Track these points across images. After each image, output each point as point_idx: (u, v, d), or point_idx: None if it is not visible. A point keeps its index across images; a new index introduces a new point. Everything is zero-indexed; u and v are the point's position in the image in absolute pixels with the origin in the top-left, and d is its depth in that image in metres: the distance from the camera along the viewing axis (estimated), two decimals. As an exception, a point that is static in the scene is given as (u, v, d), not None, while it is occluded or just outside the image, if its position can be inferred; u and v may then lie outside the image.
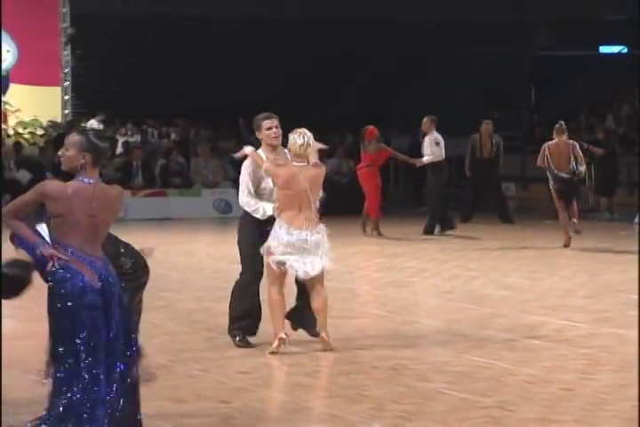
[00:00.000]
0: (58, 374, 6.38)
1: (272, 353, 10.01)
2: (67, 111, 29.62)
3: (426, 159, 20.92)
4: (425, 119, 21.25)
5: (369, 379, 9.19)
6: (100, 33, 31.86)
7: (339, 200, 22.98)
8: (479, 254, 18.18)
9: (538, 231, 20.13)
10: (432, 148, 20.60)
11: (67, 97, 29.73)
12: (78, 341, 6.35)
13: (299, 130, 10.16)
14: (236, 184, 20.66)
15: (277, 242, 9.99)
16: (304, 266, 9.96)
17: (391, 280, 15.25)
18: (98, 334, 6.37)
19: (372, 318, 12.23)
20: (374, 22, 36.06)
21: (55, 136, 26.94)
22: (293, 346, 10.32)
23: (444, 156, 20.84)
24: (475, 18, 37.13)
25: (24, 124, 27.83)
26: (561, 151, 18.67)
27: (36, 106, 28.65)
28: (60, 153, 6.61)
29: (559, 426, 7.75)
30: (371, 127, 21.35)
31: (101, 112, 31.77)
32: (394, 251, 18.54)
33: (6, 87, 28.85)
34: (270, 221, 10.25)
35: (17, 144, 25.24)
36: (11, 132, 27.39)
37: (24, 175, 22.72)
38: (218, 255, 16.01)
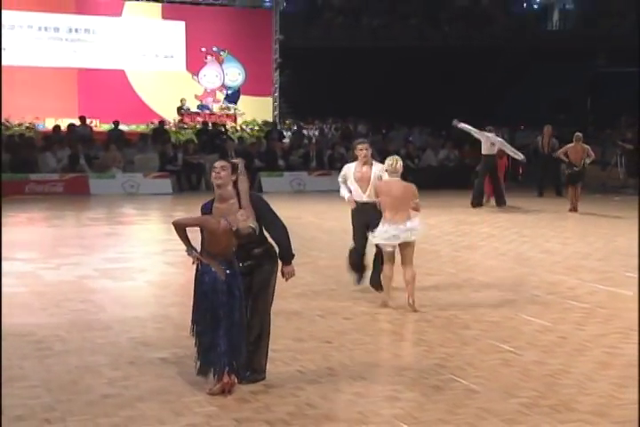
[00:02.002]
0: (195, 327, 6.70)
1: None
2: (275, 113, 29.75)
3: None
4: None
5: (429, 326, 8.94)
6: (298, 59, 31.81)
7: (447, 180, 22.65)
8: (534, 223, 17.17)
9: (581, 204, 19.23)
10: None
11: (276, 104, 29.85)
12: (208, 311, 6.60)
13: (393, 156, 9.91)
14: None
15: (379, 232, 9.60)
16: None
17: (467, 244, 14.43)
18: (219, 308, 6.56)
19: (445, 276, 11.61)
20: (485, 49, 35.39)
21: (266, 131, 27.09)
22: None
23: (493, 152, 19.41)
24: (555, 46, 36.15)
25: (247, 123, 28.07)
26: (577, 152, 18.68)
27: (255, 110, 28.84)
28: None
29: (549, 368, 7.54)
30: None
31: (296, 114, 32.00)
32: (475, 219, 17.58)
33: (238, 97, 29.17)
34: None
35: (240, 138, 25.41)
36: (238, 128, 27.68)
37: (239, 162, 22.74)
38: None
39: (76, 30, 27.20)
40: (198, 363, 6.66)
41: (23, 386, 6.74)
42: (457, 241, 14.68)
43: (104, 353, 7.69)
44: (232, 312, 6.59)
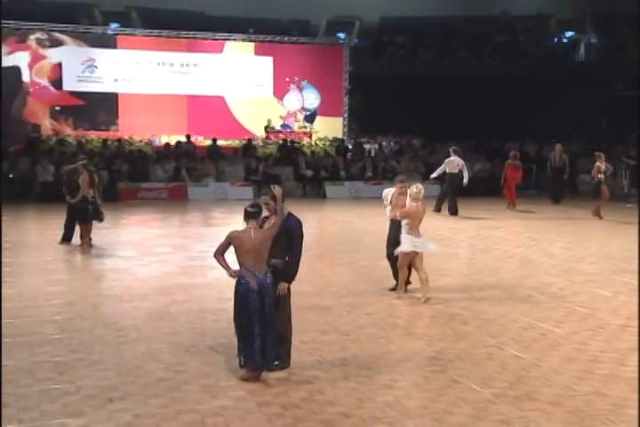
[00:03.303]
0: (236, 328, 6.73)
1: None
2: (344, 131, 29.63)
3: None
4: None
5: (433, 322, 8.79)
6: (366, 86, 31.66)
7: (479, 189, 22.22)
8: (544, 227, 16.52)
9: (589, 211, 18.66)
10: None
11: (345, 123, 29.69)
12: (243, 315, 6.64)
13: (417, 184, 9.84)
14: (422, 177, 20.18)
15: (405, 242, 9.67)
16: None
17: (483, 247, 13.86)
18: (253, 313, 6.59)
19: (458, 276, 11.30)
20: (521, 77, 34.62)
21: (336, 146, 27.05)
22: (407, 298, 9.86)
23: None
24: (581, 73, 35.19)
25: (319, 139, 28.06)
26: (595, 169, 18.17)
27: (328, 128, 28.80)
28: None
29: (524, 361, 7.42)
30: (514, 152, 20.49)
31: (362, 132, 31.80)
32: (496, 224, 16.97)
33: (314, 118, 29.17)
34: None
35: (313, 152, 25.42)
36: (313, 144, 27.72)
37: (309, 173, 22.75)
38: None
39: (187, 65, 27.60)
40: (241, 357, 6.71)
41: (98, 369, 6.93)
42: (475, 244, 14.26)
43: (167, 341, 7.79)
44: (263, 316, 6.62)
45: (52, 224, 14.69)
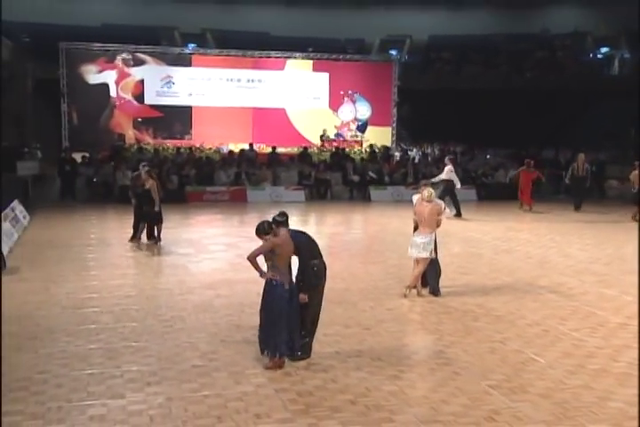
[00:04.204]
0: (262, 322, 6.84)
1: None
2: (393, 139, 29.44)
3: None
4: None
5: (447, 318, 8.66)
6: (414, 98, 31.34)
7: (512, 194, 21.69)
8: (566, 230, 16.08)
9: (617, 215, 18.13)
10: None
11: (393, 132, 29.49)
12: (273, 311, 6.72)
13: (428, 188, 9.79)
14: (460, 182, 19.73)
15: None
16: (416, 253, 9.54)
17: (506, 248, 13.51)
18: (282, 310, 6.67)
19: (478, 275, 11.06)
20: (559, 90, 33.82)
21: (378, 152, 26.87)
22: (426, 295, 9.69)
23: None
24: (613, 87, 34.18)
25: (370, 147, 27.94)
26: (634, 177, 17.89)
27: (377, 137, 28.69)
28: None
29: (523, 356, 7.30)
30: (528, 160, 20.02)
31: (410, 140, 31.50)
32: (522, 227, 16.60)
33: (365, 128, 29.08)
34: None
35: (362, 159, 25.34)
36: (363, 151, 27.62)
37: (356, 178, 22.68)
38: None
39: (252, 80, 27.89)
40: (264, 348, 6.83)
41: (143, 355, 7.12)
42: (499, 245, 13.95)
43: (207, 332, 7.92)
44: (290, 312, 6.71)
45: (127, 223, 15.04)
